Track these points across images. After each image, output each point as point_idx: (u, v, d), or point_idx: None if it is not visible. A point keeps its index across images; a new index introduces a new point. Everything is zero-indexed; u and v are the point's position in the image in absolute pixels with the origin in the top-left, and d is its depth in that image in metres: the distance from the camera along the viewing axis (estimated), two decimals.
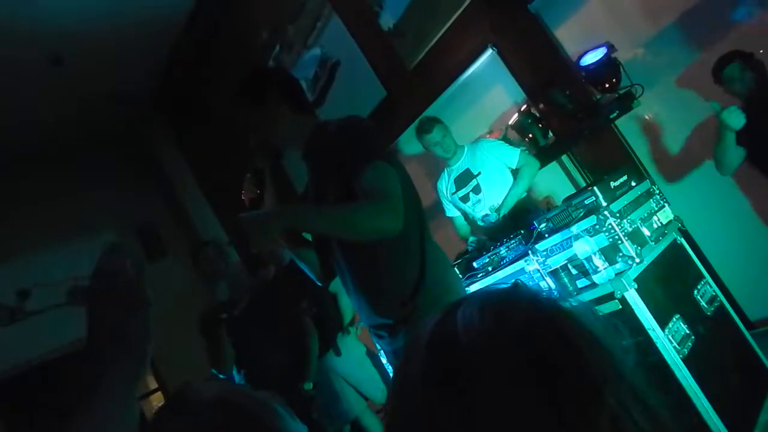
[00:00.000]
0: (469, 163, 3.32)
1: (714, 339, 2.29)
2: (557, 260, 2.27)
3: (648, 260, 2.18)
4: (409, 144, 3.89)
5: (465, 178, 3.32)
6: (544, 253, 2.31)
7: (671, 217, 2.59)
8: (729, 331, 2.46)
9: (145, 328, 0.70)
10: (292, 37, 4.67)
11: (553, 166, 3.53)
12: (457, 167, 3.36)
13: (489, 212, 3.21)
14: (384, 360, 2.94)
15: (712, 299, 2.44)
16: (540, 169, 3.29)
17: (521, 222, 2.82)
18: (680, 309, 2.19)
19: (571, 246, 2.20)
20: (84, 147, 5.80)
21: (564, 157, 3.46)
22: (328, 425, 3.29)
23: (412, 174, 1.68)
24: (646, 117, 3.26)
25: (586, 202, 2.25)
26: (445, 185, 3.44)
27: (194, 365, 3.41)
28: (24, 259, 5.16)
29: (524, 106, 3.49)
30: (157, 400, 6.07)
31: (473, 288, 2.55)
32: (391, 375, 1.82)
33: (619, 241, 2.11)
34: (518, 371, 0.44)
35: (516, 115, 3.53)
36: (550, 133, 3.39)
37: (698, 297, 2.38)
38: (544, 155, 3.39)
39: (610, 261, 2.12)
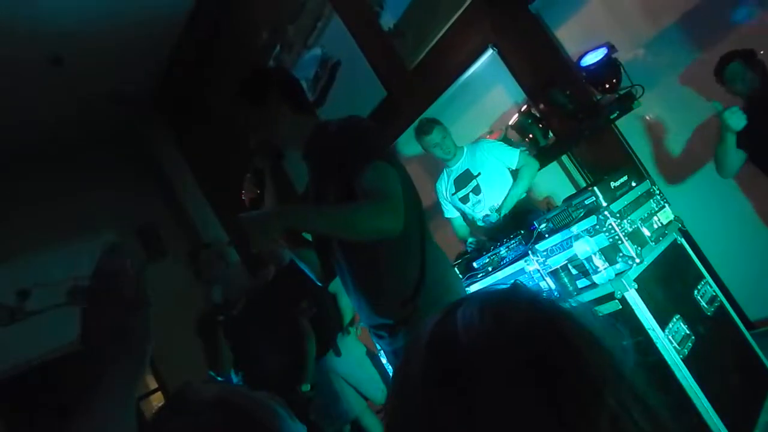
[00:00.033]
0: (468, 163, 3.32)
1: (714, 339, 2.29)
2: (557, 260, 2.27)
3: (648, 260, 2.18)
4: (409, 144, 3.89)
5: (465, 178, 3.32)
6: (544, 253, 2.31)
7: (671, 217, 2.59)
8: (729, 331, 2.46)
9: (145, 328, 0.70)
10: (292, 37, 4.67)
11: (554, 166, 3.53)
12: (456, 168, 3.36)
13: (489, 212, 3.21)
14: (384, 360, 2.94)
15: (712, 299, 2.44)
16: (540, 169, 3.29)
17: (521, 222, 2.82)
18: (680, 309, 2.19)
19: (571, 246, 2.20)
20: (84, 147, 5.80)
21: (564, 158, 3.46)
22: (328, 425, 3.29)
23: (412, 174, 1.68)
24: (647, 117, 3.25)
25: (587, 202, 2.25)
26: (445, 186, 3.43)
27: (194, 365, 3.41)
28: (24, 259, 5.15)
29: (524, 107, 3.49)
30: (157, 400, 6.07)
31: (473, 288, 2.55)
32: (391, 375, 1.82)
33: (620, 242, 2.11)
34: (518, 372, 0.44)
35: (516, 115, 3.53)
36: (551, 134, 3.39)
37: (698, 297, 2.38)
38: (545, 155, 3.39)
39: (611, 261, 2.12)
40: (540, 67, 3.31)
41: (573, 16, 3.28)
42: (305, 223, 1.62)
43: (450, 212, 3.49)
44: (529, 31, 3.29)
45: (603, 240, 2.13)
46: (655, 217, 2.49)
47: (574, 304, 0.51)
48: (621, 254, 2.10)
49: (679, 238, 2.50)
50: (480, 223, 3.31)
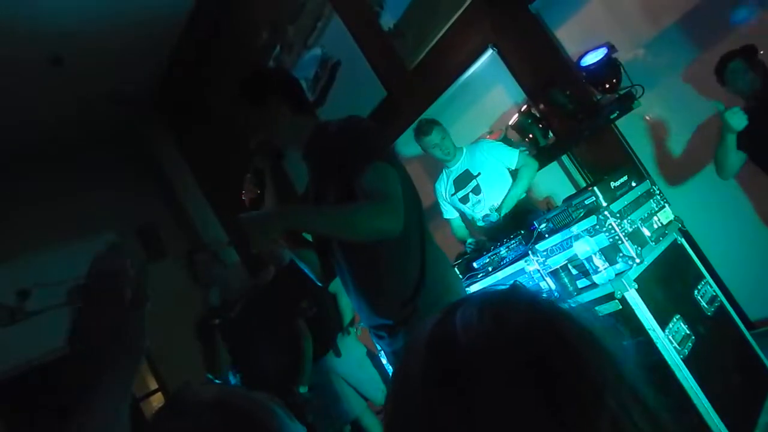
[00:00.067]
0: (468, 164, 3.32)
1: (714, 339, 2.29)
2: (557, 260, 2.27)
3: (648, 260, 2.18)
4: (408, 145, 3.89)
5: (464, 179, 3.32)
6: (545, 253, 2.31)
7: (671, 217, 2.59)
8: (729, 331, 2.46)
9: (141, 327, 0.70)
10: (292, 37, 4.67)
11: (554, 166, 3.53)
12: (456, 168, 3.35)
13: (489, 212, 3.21)
14: (384, 360, 2.94)
15: (712, 299, 2.44)
16: (539, 169, 3.29)
17: (521, 222, 2.82)
18: (681, 309, 2.19)
19: (571, 246, 2.20)
20: (84, 147, 5.80)
21: (564, 158, 3.46)
22: (328, 426, 3.29)
23: (412, 175, 1.68)
24: (647, 117, 3.25)
25: (587, 202, 2.25)
26: (444, 186, 3.43)
27: (194, 366, 3.40)
28: (24, 259, 5.16)
29: (524, 107, 3.49)
30: (157, 400, 6.07)
31: (474, 288, 2.55)
32: (390, 375, 1.82)
33: (620, 242, 2.10)
34: (517, 372, 0.44)
35: (516, 115, 3.53)
36: (551, 134, 3.39)
37: (698, 297, 2.38)
38: (545, 155, 3.39)
39: (611, 261, 2.12)
40: (540, 67, 3.30)
41: (573, 16, 3.28)
42: (305, 224, 1.62)
43: (449, 213, 3.49)
44: (529, 31, 3.29)
45: (603, 240, 2.13)
46: (655, 217, 2.49)
47: (573, 305, 0.51)
48: (621, 254, 2.10)
49: (679, 238, 2.50)
50: (480, 224, 3.31)
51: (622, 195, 2.34)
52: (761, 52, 2.61)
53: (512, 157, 3.25)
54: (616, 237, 2.11)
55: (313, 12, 4.37)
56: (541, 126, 3.39)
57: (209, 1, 4.90)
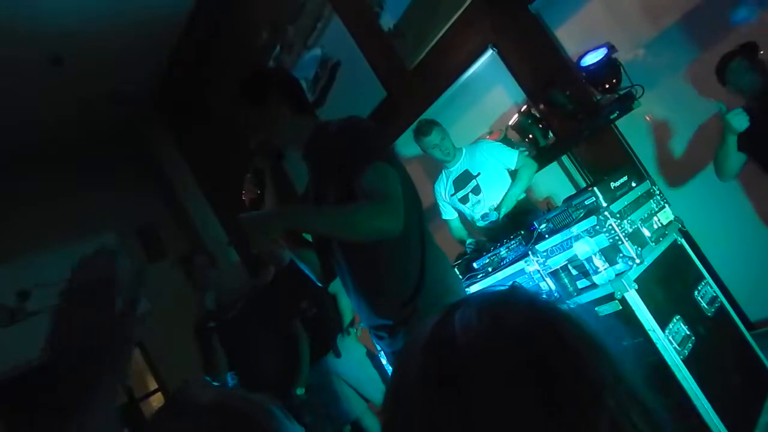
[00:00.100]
0: (468, 164, 3.32)
1: (714, 340, 2.29)
2: (557, 261, 2.27)
3: (648, 261, 2.18)
4: (408, 145, 3.89)
5: (464, 179, 3.32)
6: (545, 253, 2.30)
7: (671, 217, 2.59)
8: (729, 331, 2.46)
9: (129, 331, 0.70)
10: (292, 37, 4.67)
11: (554, 166, 3.53)
12: (455, 169, 3.35)
13: (489, 211, 3.21)
14: (384, 361, 2.94)
15: (712, 300, 2.43)
16: (538, 170, 3.30)
17: (521, 223, 2.82)
18: (681, 310, 2.19)
19: (571, 246, 2.20)
20: (84, 147, 5.81)
21: (564, 158, 3.46)
22: (328, 426, 3.29)
23: (411, 175, 1.68)
24: (647, 117, 3.25)
25: (587, 202, 2.25)
26: (444, 187, 3.43)
27: (194, 366, 3.41)
28: (24, 259, 5.16)
29: (524, 107, 3.49)
30: (157, 400, 6.07)
31: (473, 289, 2.55)
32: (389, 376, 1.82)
33: (620, 242, 2.10)
34: (516, 373, 0.44)
35: (516, 115, 3.53)
36: (551, 134, 3.39)
37: (699, 298, 2.38)
38: (545, 156, 3.39)
39: (611, 262, 2.12)
40: (540, 67, 3.31)
41: (573, 16, 3.28)
42: (305, 224, 1.62)
43: (448, 213, 3.49)
44: (529, 31, 3.29)
45: (603, 240, 2.13)
46: (655, 218, 2.49)
47: (572, 306, 0.51)
48: (621, 255, 2.10)
49: (679, 239, 2.50)
50: (480, 224, 3.31)
51: (622, 195, 2.34)
52: (761, 52, 2.61)
53: (512, 157, 3.25)
54: (616, 237, 2.11)
55: (313, 12, 4.37)
56: (541, 126, 3.39)
57: (209, 1, 4.90)
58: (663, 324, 2.04)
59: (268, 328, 3.07)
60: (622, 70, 2.92)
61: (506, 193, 3.19)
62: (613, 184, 2.37)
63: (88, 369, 0.67)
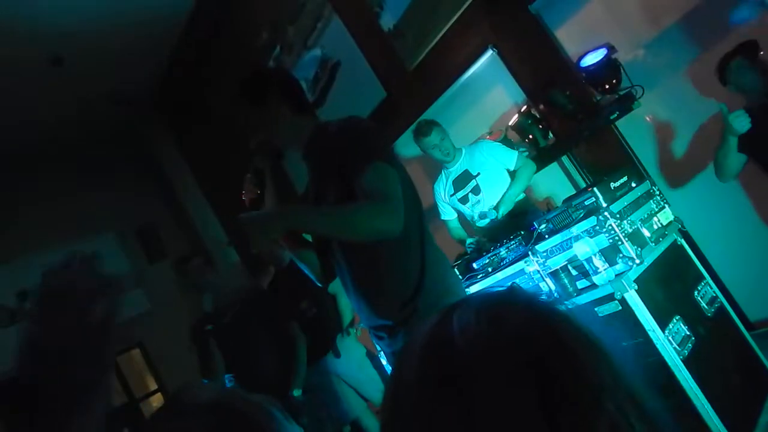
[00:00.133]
0: (467, 164, 3.32)
1: (714, 340, 2.29)
2: (557, 261, 2.26)
3: (648, 261, 2.18)
4: (408, 146, 3.89)
5: (464, 179, 3.32)
6: (544, 254, 2.30)
7: (671, 218, 2.59)
8: (729, 332, 2.46)
9: (106, 344, 0.68)
10: (292, 37, 4.67)
11: (554, 166, 3.53)
12: (455, 169, 3.35)
13: (487, 210, 3.20)
14: (384, 361, 2.94)
15: (712, 300, 2.43)
16: (537, 171, 3.30)
17: (521, 223, 2.82)
18: (680, 310, 2.19)
19: (571, 247, 2.20)
20: (84, 147, 5.81)
21: (564, 158, 3.46)
22: (327, 426, 3.29)
23: (411, 176, 1.68)
24: (647, 118, 3.25)
25: (586, 203, 2.25)
26: (443, 187, 3.43)
27: (194, 366, 3.41)
28: (24, 259, 5.16)
29: (524, 107, 3.49)
30: (157, 401, 6.07)
31: (473, 289, 2.55)
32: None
33: (619, 242, 2.10)
34: (515, 374, 0.44)
35: (516, 115, 3.53)
36: (551, 134, 3.39)
37: (698, 298, 2.37)
38: (545, 156, 3.39)
39: (611, 262, 2.12)
40: (540, 67, 3.31)
41: (573, 17, 3.28)
42: (305, 224, 1.62)
43: (447, 214, 3.48)
44: (528, 31, 3.29)
45: (603, 241, 2.13)
46: (655, 218, 2.49)
47: (571, 307, 0.51)
48: (621, 255, 2.10)
49: (679, 239, 2.50)
50: (479, 224, 3.31)
51: (622, 196, 2.33)
52: (761, 52, 2.61)
53: (511, 158, 3.25)
54: (616, 238, 2.11)
55: (313, 12, 4.37)
56: (541, 126, 3.39)
57: (209, 1, 4.90)
58: (663, 324, 2.04)
59: (266, 330, 3.06)
60: (622, 71, 2.92)
61: (505, 193, 3.19)
62: (613, 185, 2.37)
63: (72, 374, 0.66)
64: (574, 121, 3.15)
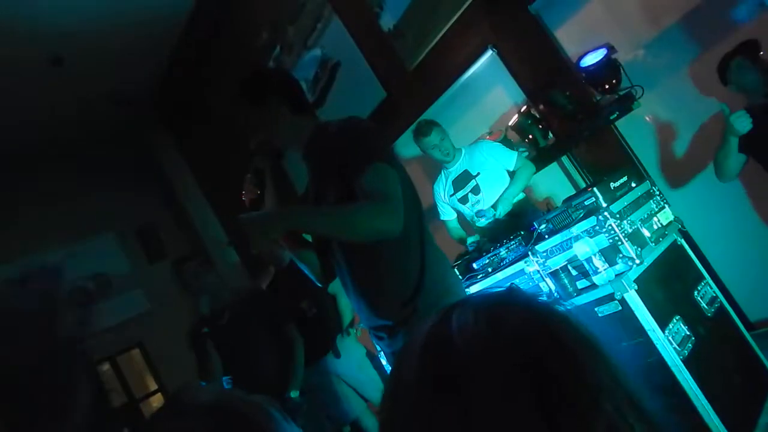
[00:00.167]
0: (467, 164, 3.32)
1: (714, 340, 2.29)
2: (557, 261, 2.26)
3: (648, 261, 2.18)
4: (408, 146, 3.89)
5: (464, 179, 3.32)
6: (544, 254, 2.30)
7: (671, 218, 2.59)
8: (729, 332, 2.46)
9: (74, 359, 0.67)
10: (292, 37, 4.67)
11: (554, 167, 3.53)
12: (455, 169, 3.35)
13: (485, 209, 3.20)
14: (384, 361, 2.94)
15: (712, 300, 2.43)
16: (536, 172, 3.30)
17: (521, 223, 2.82)
18: (680, 310, 2.19)
19: (571, 247, 2.20)
20: (84, 147, 5.81)
21: (564, 158, 3.46)
22: (327, 426, 3.29)
23: (411, 176, 1.68)
24: (647, 118, 3.25)
25: (586, 203, 2.25)
26: (443, 187, 3.43)
27: (193, 367, 3.41)
28: (24, 259, 5.16)
29: (524, 107, 3.49)
30: (157, 401, 6.07)
31: (473, 289, 2.55)
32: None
33: (619, 242, 2.10)
34: (513, 375, 0.44)
35: (516, 116, 3.53)
36: (550, 134, 3.39)
37: (698, 298, 2.38)
38: (545, 156, 3.39)
39: (610, 262, 2.12)
40: (540, 67, 3.30)
41: (573, 17, 3.28)
42: (305, 224, 1.62)
43: (446, 214, 3.48)
44: (528, 31, 3.29)
45: (603, 241, 2.13)
46: (655, 218, 2.49)
47: (570, 307, 0.51)
48: (621, 255, 2.10)
49: (679, 239, 2.50)
50: (479, 224, 3.31)
51: (621, 196, 2.33)
52: (762, 52, 2.60)
53: (510, 158, 3.24)
54: (616, 238, 2.11)
55: (313, 12, 4.37)
56: (540, 127, 3.39)
57: (209, 1, 4.90)
58: (663, 324, 2.04)
59: (264, 330, 3.06)
60: (621, 71, 2.92)
61: (503, 193, 3.19)
62: (612, 185, 2.37)
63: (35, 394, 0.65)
64: (574, 121, 3.15)
